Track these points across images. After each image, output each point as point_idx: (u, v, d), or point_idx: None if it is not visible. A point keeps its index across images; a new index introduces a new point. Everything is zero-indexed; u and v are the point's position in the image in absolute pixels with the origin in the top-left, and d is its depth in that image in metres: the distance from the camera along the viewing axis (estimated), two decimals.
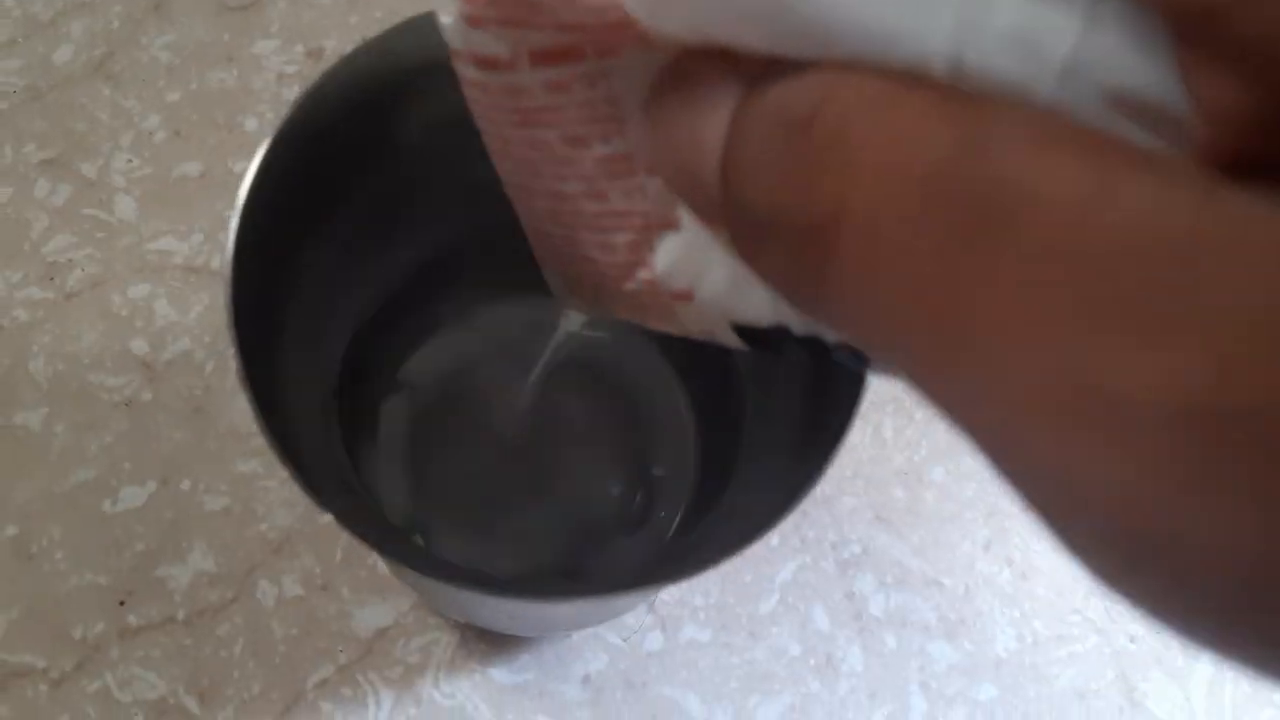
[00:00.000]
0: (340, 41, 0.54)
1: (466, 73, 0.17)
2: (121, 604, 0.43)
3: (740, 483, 0.36)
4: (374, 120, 0.33)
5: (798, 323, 0.17)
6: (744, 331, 0.19)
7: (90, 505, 0.45)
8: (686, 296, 0.18)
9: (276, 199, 0.30)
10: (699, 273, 0.18)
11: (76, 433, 0.46)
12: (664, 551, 0.40)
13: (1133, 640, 0.47)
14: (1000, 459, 0.11)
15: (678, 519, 0.42)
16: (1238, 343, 0.09)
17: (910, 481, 0.48)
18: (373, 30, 0.54)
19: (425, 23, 0.31)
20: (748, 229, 0.14)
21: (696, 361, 0.43)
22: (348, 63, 0.30)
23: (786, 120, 0.12)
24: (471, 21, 0.15)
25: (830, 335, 0.17)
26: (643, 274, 0.19)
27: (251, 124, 0.52)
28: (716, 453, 0.42)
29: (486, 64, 0.16)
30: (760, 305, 0.17)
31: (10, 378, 0.46)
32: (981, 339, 0.11)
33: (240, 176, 0.50)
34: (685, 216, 0.18)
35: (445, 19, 0.16)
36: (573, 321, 0.27)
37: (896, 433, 0.49)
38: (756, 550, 0.28)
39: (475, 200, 0.39)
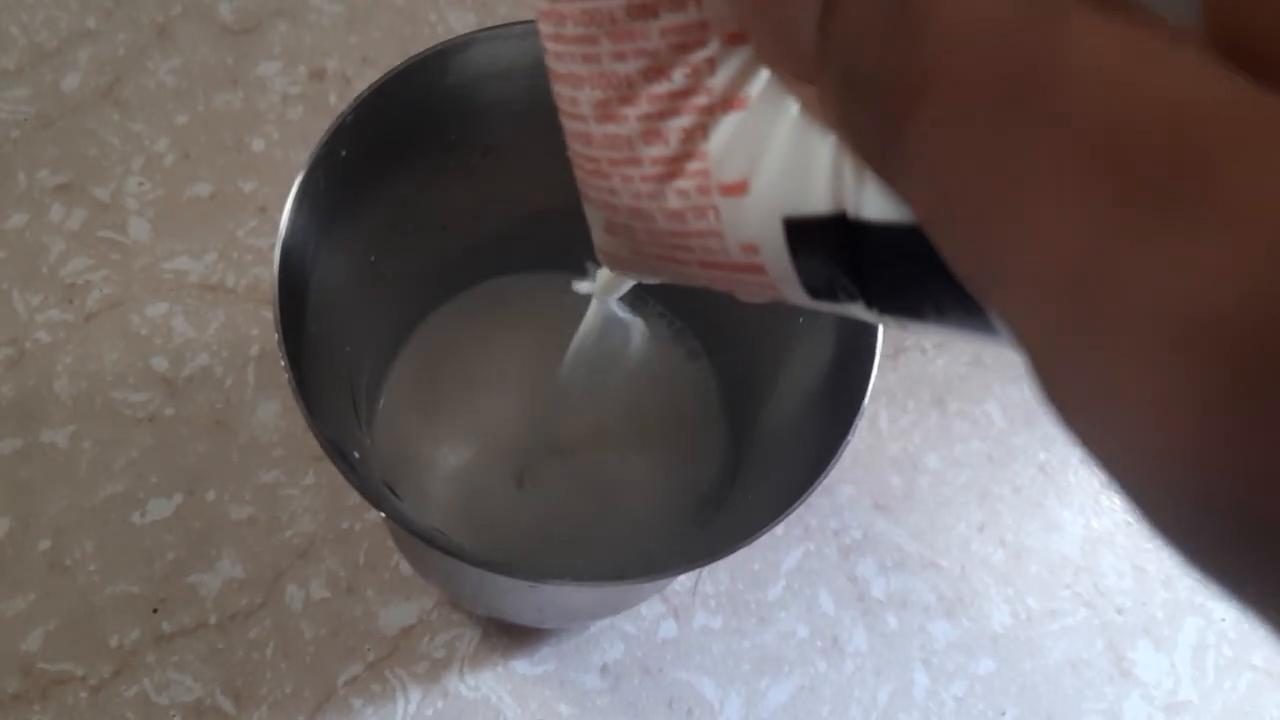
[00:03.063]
0: (341, 62, 0.56)
1: None
2: (155, 611, 0.45)
3: (753, 472, 0.38)
4: (396, 146, 0.35)
5: (854, 204, 0.16)
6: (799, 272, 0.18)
7: (120, 518, 0.46)
8: (740, 189, 0.18)
9: (309, 221, 0.32)
10: (756, 157, 0.17)
11: (103, 449, 0.47)
12: (686, 538, 0.42)
13: (1120, 612, 0.49)
14: (1032, 353, 0.11)
15: (697, 502, 0.44)
16: (1270, 248, 0.09)
17: (906, 469, 0.50)
18: (373, 50, 0.56)
19: (435, 60, 0.33)
20: (841, 87, 0.14)
21: (721, 344, 0.45)
22: (369, 101, 0.32)
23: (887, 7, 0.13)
24: None
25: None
26: (693, 165, 0.18)
27: (258, 144, 0.54)
28: (736, 439, 0.44)
29: None
30: (819, 190, 0.17)
31: (36, 398, 0.48)
32: (1024, 208, 0.11)
33: (250, 196, 0.52)
34: (755, 94, 0.17)
35: None
36: (605, 304, 0.28)
37: (891, 422, 0.51)
38: (763, 539, 0.30)
39: (484, 215, 0.41)
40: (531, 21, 0.30)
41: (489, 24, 0.58)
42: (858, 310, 0.18)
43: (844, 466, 0.51)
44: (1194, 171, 0.09)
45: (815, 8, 0.14)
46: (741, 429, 0.43)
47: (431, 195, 0.38)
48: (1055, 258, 0.10)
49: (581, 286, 0.28)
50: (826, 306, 0.19)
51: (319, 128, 0.54)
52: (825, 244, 0.17)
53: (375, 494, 0.27)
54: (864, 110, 0.13)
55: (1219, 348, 0.09)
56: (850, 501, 0.50)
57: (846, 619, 0.48)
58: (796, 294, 0.19)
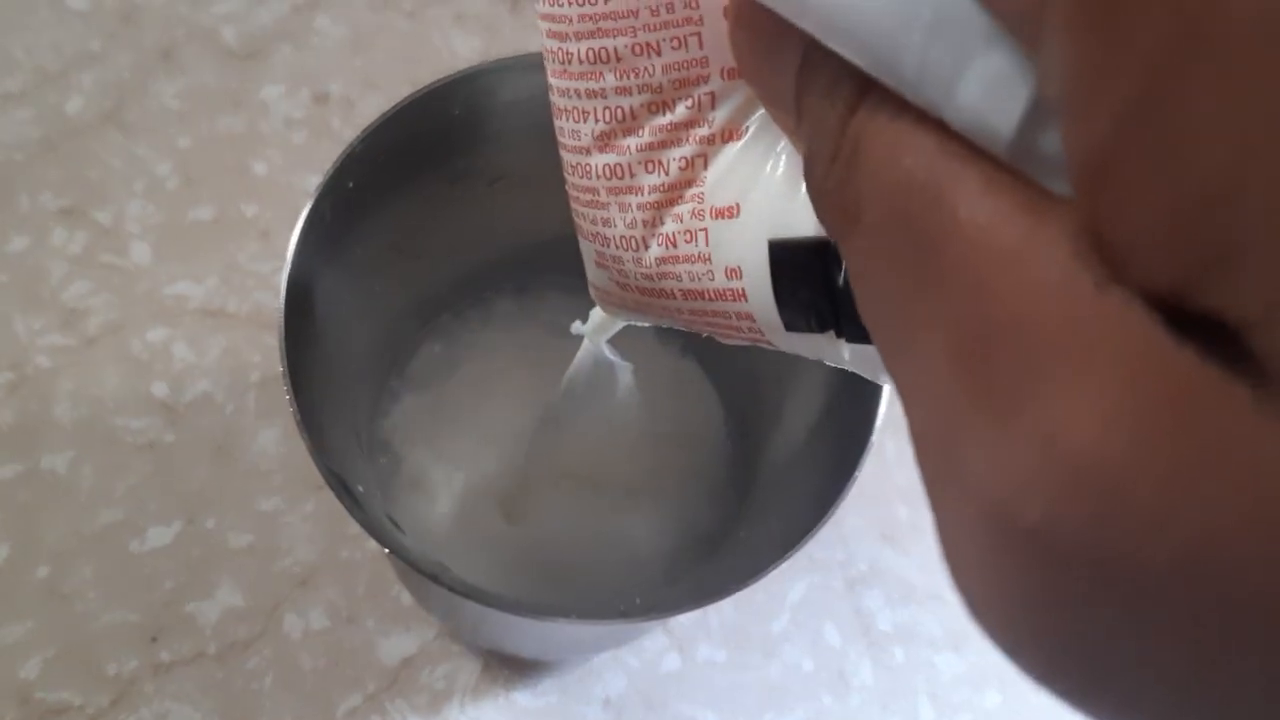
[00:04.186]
0: (345, 86, 0.56)
1: None
2: (153, 640, 0.45)
3: (759, 505, 0.37)
4: (402, 176, 0.35)
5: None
6: (794, 303, 0.19)
7: (119, 545, 0.46)
8: (731, 212, 0.19)
9: (315, 252, 0.31)
10: (749, 183, 0.18)
11: (102, 475, 0.47)
12: (689, 573, 0.42)
13: None
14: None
15: (702, 535, 0.43)
16: (1042, 470, 0.10)
17: (912, 499, 0.50)
18: (377, 74, 0.56)
19: (442, 91, 0.33)
20: (807, 166, 0.15)
21: (728, 374, 0.44)
22: (377, 131, 0.32)
23: (826, 123, 0.13)
24: None
25: None
26: (690, 191, 0.19)
27: (261, 168, 0.54)
28: (742, 471, 0.43)
29: None
30: (805, 215, 0.18)
31: (36, 423, 0.48)
32: (910, 358, 0.12)
33: (252, 220, 0.52)
34: (752, 125, 0.18)
35: None
36: (596, 345, 0.28)
37: (898, 452, 0.51)
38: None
39: (488, 244, 0.41)
40: (537, 54, 0.31)
41: (494, 48, 0.58)
42: (826, 345, 0.19)
43: (850, 497, 0.50)
44: (1016, 385, 0.10)
45: (791, 91, 0.14)
46: (747, 461, 0.42)
47: (437, 224, 0.38)
48: (925, 407, 0.12)
49: (576, 327, 0.28)
50: (798, 342, 0.20)
51: (322, 152, 0.54)
52: (806, 266, 0.18)
53: (380, 531, 0.26)
54: (817, 200, 0.14)
55: (1013, 544, 0.10)
56: (856, 533, 0.49)
57: (852, 652, 0.47)
58: (772, 324, 0.19)
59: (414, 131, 0.33)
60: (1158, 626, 0.10)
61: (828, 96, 0.13)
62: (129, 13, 0.56)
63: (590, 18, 0.18)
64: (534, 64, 0.32)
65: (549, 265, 0.40)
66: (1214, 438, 0.09)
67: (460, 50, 0.57)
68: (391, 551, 0.26)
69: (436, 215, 0.37)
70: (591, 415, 0.34)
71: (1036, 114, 0.11)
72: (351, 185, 0.32)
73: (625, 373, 0.31)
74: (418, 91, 0.32)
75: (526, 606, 0.29)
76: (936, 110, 0.12)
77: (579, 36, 0.19)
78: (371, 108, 0.55)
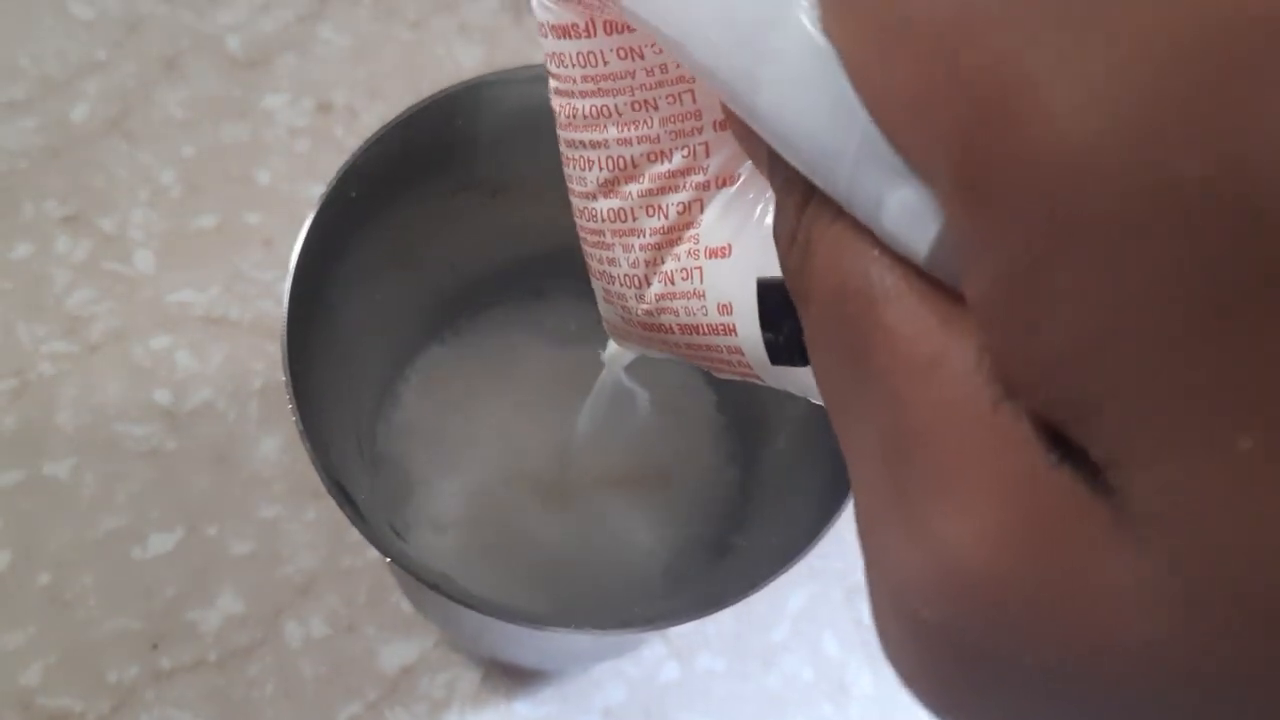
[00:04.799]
0: (349, 95, 0.56)
1: (547, 45, 0.20)
2: (154, 647, 0.45)
3: (760, 515, 0.37)
4: (404, 187, 0.35)
5: None
6: (782, 337, 0.20)
7: (120, 552, 0.46)
8: (723, 251, 0.20)
9: (317, 261, 0.32)
10: (740, 226, 0.20)
11: (104, 482, 0.47)
12: (687, 584, 0.42)
13: None
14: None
15: (702, 544, 0.44)
16: (954, 574, 0.11)
17: None
18: (380, 83, 0.56)
19: (445, 103, 0.33)
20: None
21: (728, 385, 0.45)
22: (380, 142, 0.32)
23: (786, 209, 0.14)
24: None
25: None
26: (688, 233, 0.21)
27: (264, 177, 0.54)
28: (743, 481, 0.43)
29: (564, 32, 0.19)
30: None
31: (39, 430, 0.48)
32: (848, 441, 0.13)
33: (255, 228, 0.52)
34: (744, 173, 0.20)
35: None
36: (614, 372, 0.29)
37: None
38: None
39: (490, 253, 0.41)
40: (539, 65, 0.31)
41: (496, 57, 0.58)
42: (810, 381, 0.20)
43: (849, 507, 0.51)
44: (923, 494, 0.11)
45: (765, 164, 0.15)
46: (747, 470, 0.43)
47: (439, 235, 0.38)
48: (861, 484, 0.13)
49: (601, 355, 0.30)
50: (784, 376, 0.21)
51: (325, 161, 0.55)
52: (789, 304, 0.20)
53: (382, 541, 0.27)
54: (783, 271, 0.15)
55: (922, 633, 0.12)
56: (855, 542, 0.49)
57: (852, 661, 0.48)
58: (759, 358, 0.21)
59: (416, 142, 0.33)
60: (1047, 713, 0.11)
61: (785, 186, 0.14)
62: (134, 21, 0.57)
63: (592, 79, 0.20)
64: (536, 75, 0.32)
65: (552, 272, 0.40)
66: (1074, 562, 0.10)
67: (463, 60, 0.57)
68: (394, 561, 0.26)
69: (438, 224, 0.37)
70: (605, 434, 0.35)
71: (943, 243, 0.12)
72: (354, 195, 0.32)
73: (640, 398, 0.32)
74: (420, 102, 0.32)
75: (526, 616, 0.29)
76: (867, 223, 0.13)
77: (583, 95, 0.20)
78: (375, 117, 0.55)
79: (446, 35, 0.58)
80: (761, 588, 0.29)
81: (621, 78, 0.20)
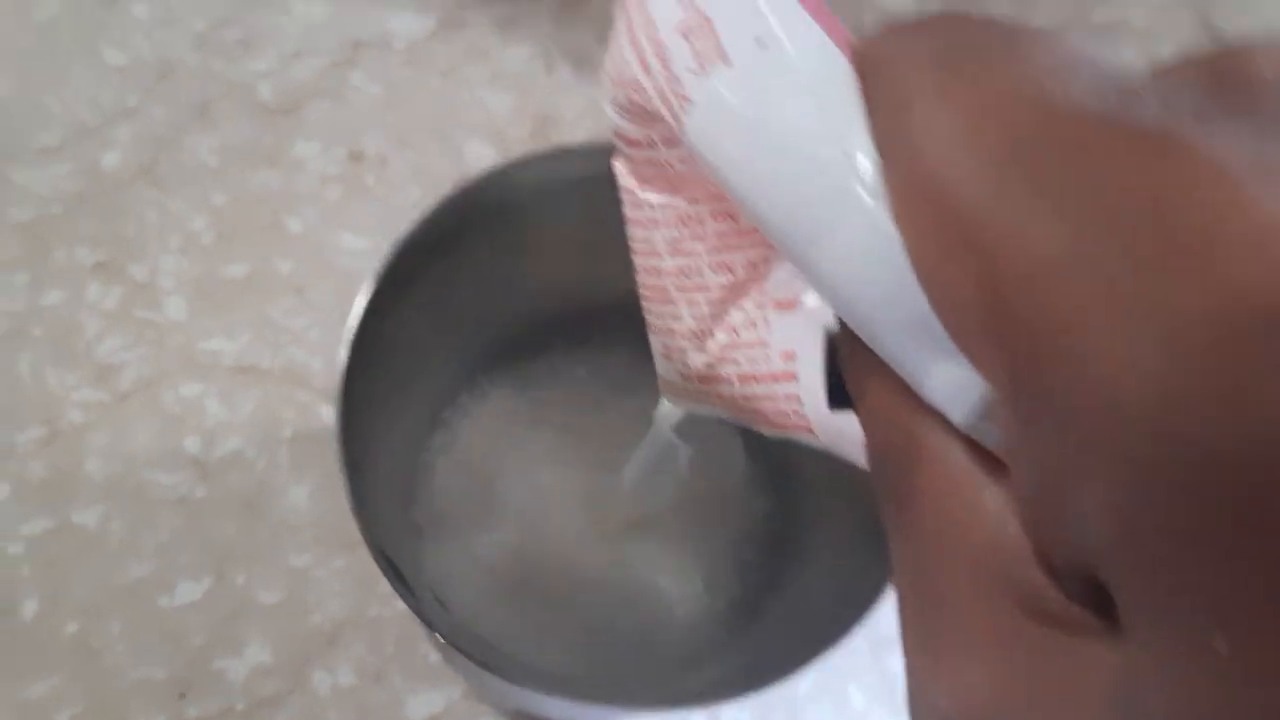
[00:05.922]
0: (380, 143, 0.56)
1: (618, 147, 0.20)
2: (182, 696, 0.45)
3: (798, 591, 0.38)
4: (445, 255, 0.35)
5: None
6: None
7: (148, 600, 0.46)
8: (790, 304, 0.21)
9: (364, 333, 0.32)
10: (805, 285, 0.20)
11: (133, 530, 0.47)
12: (727, 644, 0.42)
13: None
14: None
15: (737, 602, 0.44)
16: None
17: None
18: (409, 131, 0.57)
19: (499, 175, 0.34)
20: None
21: (772, 464, 0.45)
22: (438, 211, 0.33)
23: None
24: (617, 109, 0.19)
25: None
26: (754, 290, 0.21)
27: (295, 225, 0.54)
28: (778, 556, 0.44)
29: (630, 143, 0.20)
30: None
31: (68, 478, 0.48)
32: (893, 547, 0.15)
33: (286, 277, 0.53)
34: None
35: (607, 108, 0.20)
36: (667, 419, 0.30)
37: None
38: None
39: (533, 310, 0.42)
40: (587, 144, 0.32)
41: (528, 106, 0.59)
42: (858, 433, 0.20)
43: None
44: (942, 643, 0.14)
45: None
46: (783, 531, 0.43)
47: (480, 293, 0.38)
48: (900, 593, 0.15)
49: (653, 412, 0.30)
50: (838, 430, 0.21)
51: (355, 208, 0.55)
52: None
53: (430, 617, 0.27)
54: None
55: None
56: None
57: (877, 713, 0.48)
58: (817, 405, 0.21)
59: (463, 216, 0.34)
60: None
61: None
62: (166, 69, 0.57)
63: (661, 179, 0.20)
64: (587, 152, 0.33)
65: (598, 328, 0.40)
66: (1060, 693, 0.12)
67: (494, 109, 0.58)
68: (445, 639, 0.27)
69: (479, 289, 0.38)
70: (648, 488, 0.36)
71: (983, 414, 0.13)
72: (400, 263, 0.33)
73: (683, 453, 0.33)
74: (468, 182, 0.33)
75: (567, 689, 0.29)
76: (911, 384, 0.14)
77: (654, 190, 0.21)
78: (405, 165, 0.56)
79: (478, 84, 0.58)
80: (807, 667, 0.29)
81: (689, 179, 0.20)
